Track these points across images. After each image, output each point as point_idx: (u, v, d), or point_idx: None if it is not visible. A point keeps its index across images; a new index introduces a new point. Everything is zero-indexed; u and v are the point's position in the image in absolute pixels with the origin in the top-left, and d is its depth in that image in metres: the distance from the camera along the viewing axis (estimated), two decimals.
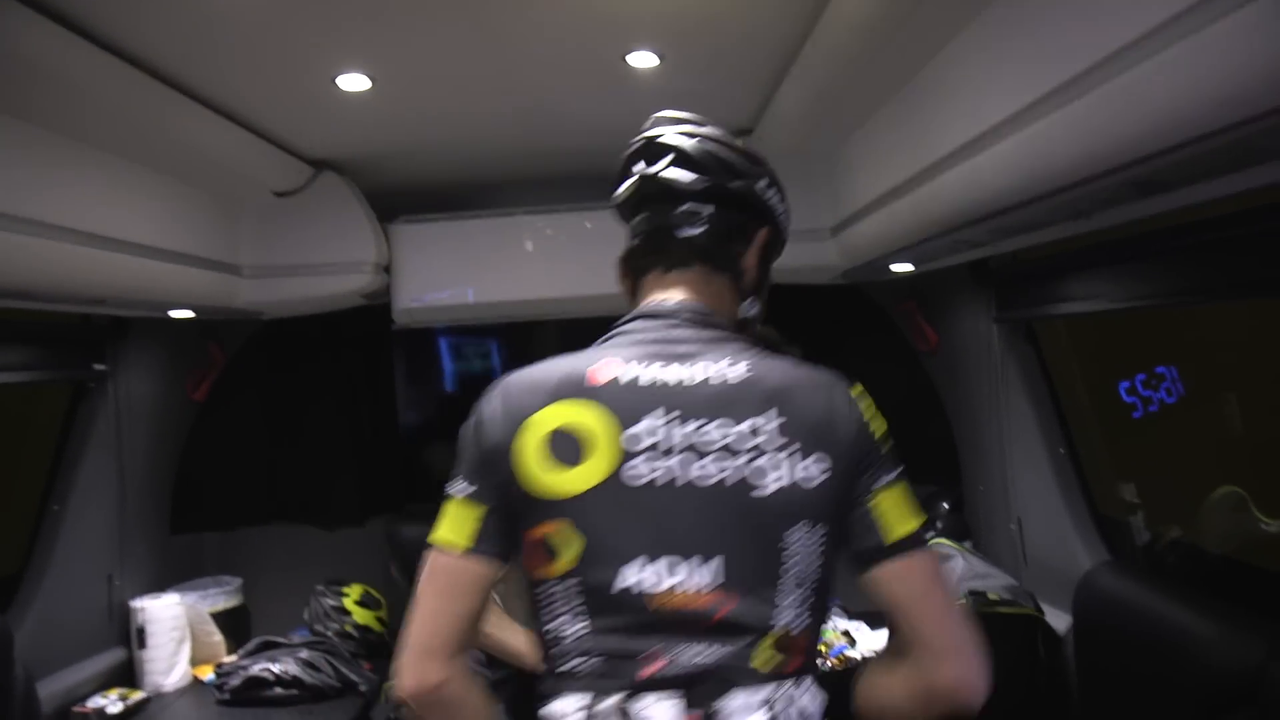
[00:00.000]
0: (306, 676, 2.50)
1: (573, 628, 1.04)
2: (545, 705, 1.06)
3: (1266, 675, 1.47)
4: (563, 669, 1.05)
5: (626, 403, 1.05)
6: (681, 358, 1.09)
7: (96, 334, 2.52)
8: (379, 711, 2.39)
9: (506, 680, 2.01)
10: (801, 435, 1.04)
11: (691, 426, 1.05)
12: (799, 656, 1.03)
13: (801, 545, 1.03)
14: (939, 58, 1.66)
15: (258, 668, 2.50)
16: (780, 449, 1.03)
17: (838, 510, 1.04)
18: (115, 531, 2.62)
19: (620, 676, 1.01)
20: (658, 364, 1.08)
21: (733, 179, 1.17)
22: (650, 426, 1.04)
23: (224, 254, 2.37)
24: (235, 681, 2.50)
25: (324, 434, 3.14)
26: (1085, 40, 1.15)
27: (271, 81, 1.82)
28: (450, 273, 2.61)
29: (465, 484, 1.09)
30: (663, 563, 1.02)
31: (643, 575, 1.02)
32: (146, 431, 2.72)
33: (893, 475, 1.08)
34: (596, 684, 1.02)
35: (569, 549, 1.03)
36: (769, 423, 1.04)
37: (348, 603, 2.85)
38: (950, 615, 1.05)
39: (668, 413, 1.05)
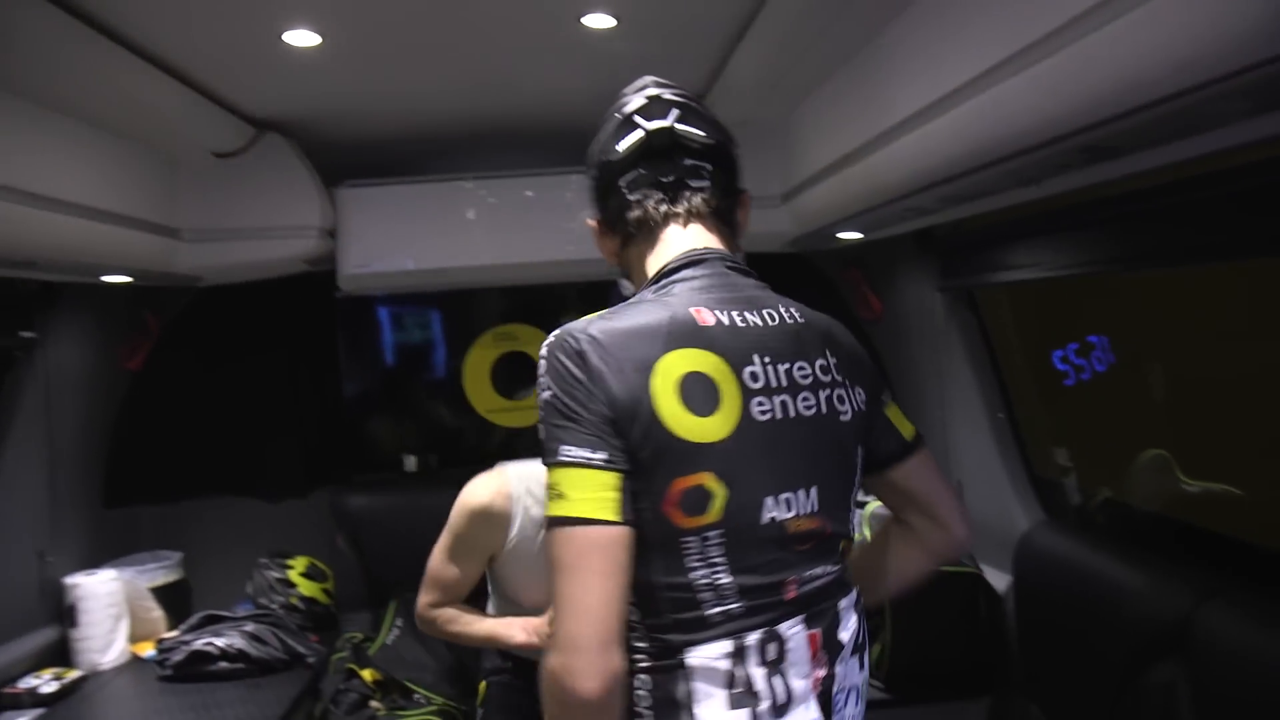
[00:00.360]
0: (252, 650, 2.46)
1: (711, 575, 1.04)
2: (683, 654, 1.03)
3: (1193, 622, 1.54)
4: (697, 616, 1.04)
5: (734, 346, 1.09)
6: (749, 302, 1.15)
7: (24, 300, 2.42)
8: (328, 683, 2.36)
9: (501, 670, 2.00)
10: (849, 370, 1.17)
11: (784, 366, 1.11)
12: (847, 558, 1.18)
13: (857, 464, 1.18)
14: (893, 25, 1.68)
15: (201, 642, 2.45)
16: (842, 383, 1.15)
17: (870, 430, 1.19)
18: (46, 506, 2.53)
19: (761, 614, 1.05)
20: (736, 309, 1.13)
21: (728, 140, 1.24)
22: (757, 368, 1.09)
23: (162, 216, 2.28)
24: (178, 657, 2.44)
25: (266, 404, 3.07)
26: (1038, 7, 1.18)
27: (214, 35, 1.75)
28: (397, 238, 2.56)
29: (589, 451, 1.01)
30: (785, 496, 1.08)
31: (775, 511, 1.07)
32: (77, 402, 2.63)
33: (889, 391, 1.27)
34: (738, 624, 1.04)
35: (718, 496, 1.04)
36: (830, 360, 1.15)
37: (293, 575, 2.81)
38: (952, 490, 1.31)
39: (762, 354, 1.10)
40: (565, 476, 1.02)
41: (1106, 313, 2.72)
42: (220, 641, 2.45)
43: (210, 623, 2.54)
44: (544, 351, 1.09)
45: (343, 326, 3.15)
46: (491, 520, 1.85)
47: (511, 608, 1.95)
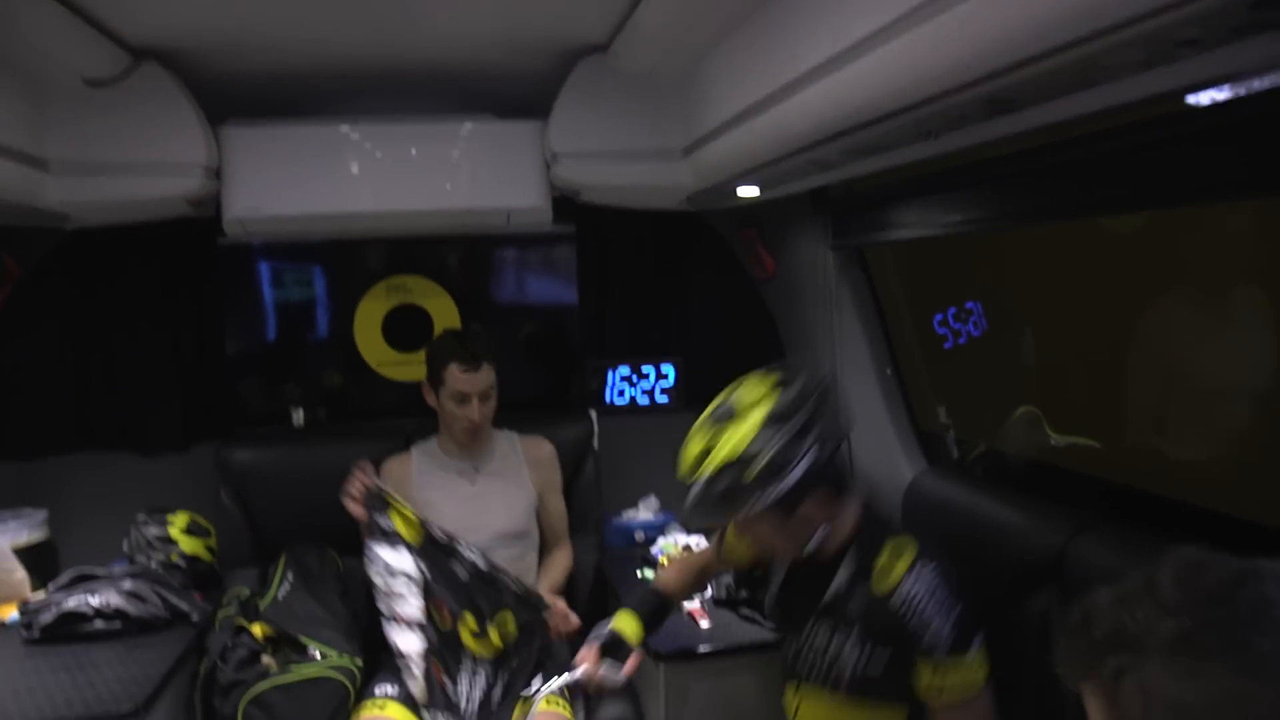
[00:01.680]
0: (130, 608, 2.35)
1: None
2: None
3: (1067, 555, 1.66)
4: None
5: None
6: None
7: None
8: (214, 640, 2.28)
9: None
10: None
11: None
12: None
13: None
14: None
15: (73, 601, 2.32)
16: None
17: None
18: None
19: None
20: None
21: None
22: None
23: (26, 144, 2.11)
24: (46, 618, 2.31)
25: (141, 355, 2.91)
26: None
27: None
28: (286, 181, 2.45)
29: None
30: None
31: None
32: None
33: None
34: None
35: None
36: None
37: (173, 531, 2.68)
38: None
39: None
40: None
41: (981, 279, 2.86)
42: (95, 600, 2.33)
43: (82, 581, 2.42)
44: None
45: (226, 278, 3.01)
46: None
47: None
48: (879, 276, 2.74)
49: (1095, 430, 2.42)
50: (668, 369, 3.17)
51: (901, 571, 1.58)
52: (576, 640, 2.35)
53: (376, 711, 2.20)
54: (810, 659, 1.74)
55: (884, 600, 1.58)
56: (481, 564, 2.34)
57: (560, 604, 2.40)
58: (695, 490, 1.62)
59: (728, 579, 2.42)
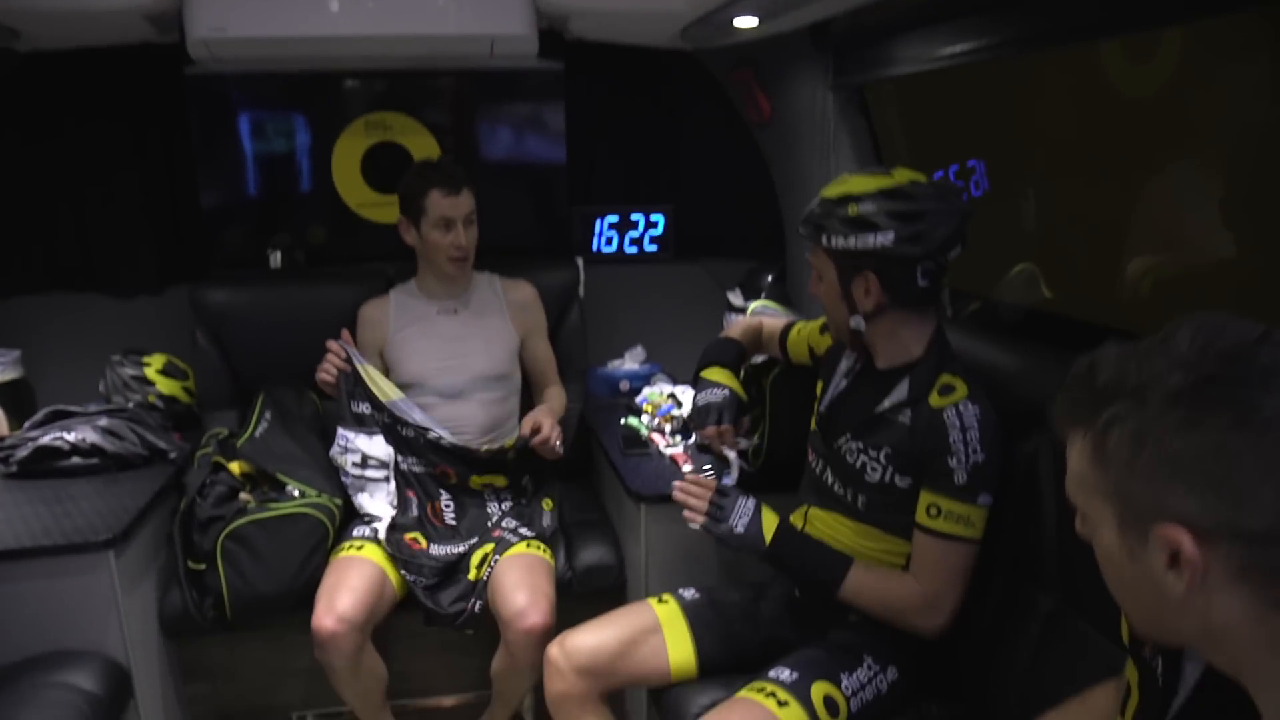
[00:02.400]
0: (108, 444, 2.33)
1: None
2: None
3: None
4: None
5: None
6: None
7: None
8: (192, 477, 2.26)
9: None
10: None
11: None
12: None
13: None
14: None
15: (49, 437, 2.30)
16: None
17: None
18: None
19: None
20: None
21: None
22: None
23: None
24: (23, 453, 2.29)
25: (108, 196, 2.80)
26: None
27: None
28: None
29: None
30: None
31: None
32: None
33: None
34: None
35: None
36: None
37: (150, 372, 2.64)
38: None
39: None
40: None
41: (984, 137, 2.75)
42: (71, 436, 2.31)
43: (58, 418, 2.38)
44: None
45: (195, 114, 2.85)
46: None
47: None
48: (881, 130, 2.63)
49: (1092, 290, 2.38)
50: (657, 217, 3.07)
51: (956, 399, 1.64)
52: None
53: (354, 552, 2.20)
54: (838, 469, 1.78)
55: (935, 413, 1.63)
56: (446, 441, 2.35)
57: (544, 430, 2.36)
58: (811, 205, 1.73)
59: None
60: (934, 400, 1.65)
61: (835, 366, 1.88)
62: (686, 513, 1.79)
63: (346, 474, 2.31)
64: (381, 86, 2.93)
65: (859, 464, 1.72)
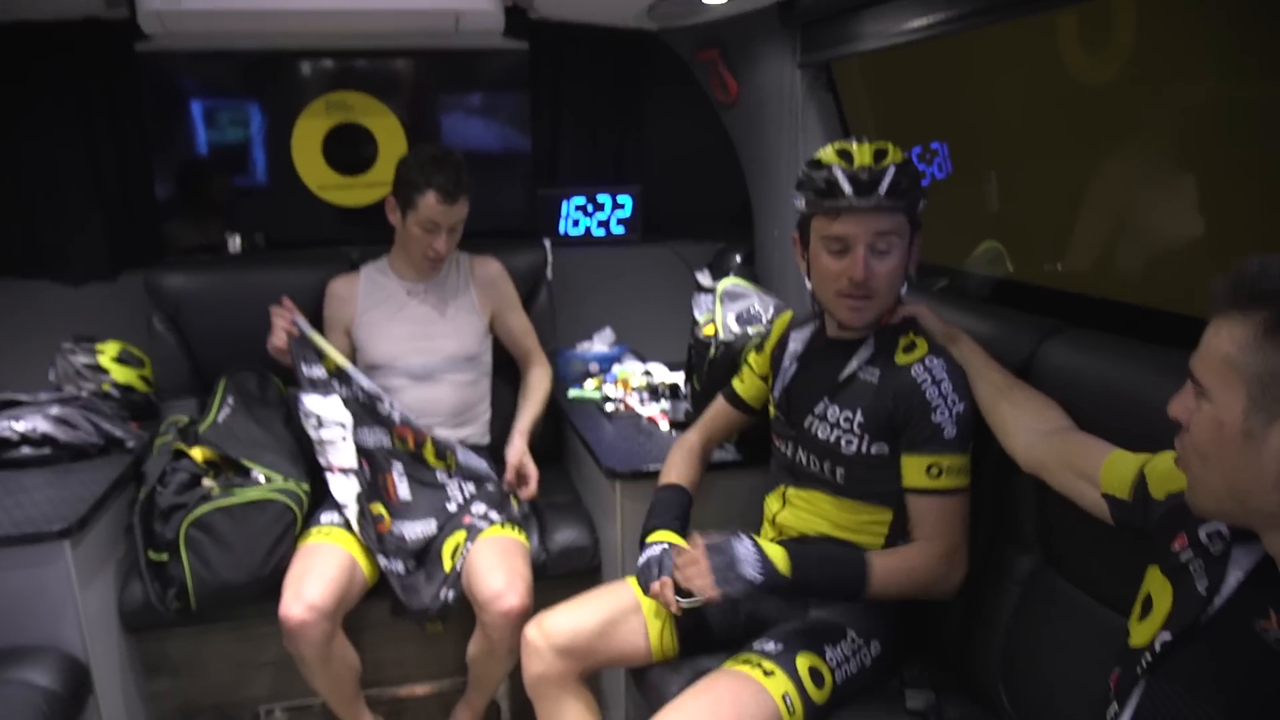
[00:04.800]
0: (60, 434, 2.24)
1: None
2: None
3: (1036, 359, 1.65)
4: None
5: None
6: None
7: None
8: (152, 466, 2.19)
9: None
10: None
11: None
12: None
13: None
14: None
15: None
16: None
17: None
18: None
19: None
20: None
21: None
22: None
23: None
24: None
25: (58, 179, 2.69)
26: None
27: None
28: None
29: None
30: None
31: None
32: None
33: None
34: None
35: None
36: None
37: (103, 360, 2.55)
38: None
39: None
40: None
41: (948, 120, 2.77)
42: (20, 425, 2.22)
43: (5, 407, 2.29)
44: None
45: (149, 93, 2.76)
46: None
47: None
48: (849, 100, 2.63)
49: (1051, 261, 2.42)
50: (625, 199, 3.05)
51: (920, 355, 1.65)
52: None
53: (322, 539, 2.15)
54: (811, 447, 1.75)
55: (902, 370, 1.63)
56: (398, 417, 2.33)
57: (515, 463, 2.37)
58: (891, 173, 1.58)
59: (687, 405, 2.38)
60: (899, 358, 1.66)
61: (781, 357, 1.86)
62: (695, 594, 1.59)
63: (309, 439, 2.25)
64: (342, 66, 2.87)
65: (833, 438, 1.71)
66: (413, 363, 2.41)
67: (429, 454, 2.37)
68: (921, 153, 2.81)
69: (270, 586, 2.07)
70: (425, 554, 2.24)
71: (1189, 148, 2.02)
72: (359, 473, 2.24)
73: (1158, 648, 1.07)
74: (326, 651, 2.06)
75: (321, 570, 2.06)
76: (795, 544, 1.70)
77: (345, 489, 2.20)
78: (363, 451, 2.29)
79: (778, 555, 1.59)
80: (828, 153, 1.64)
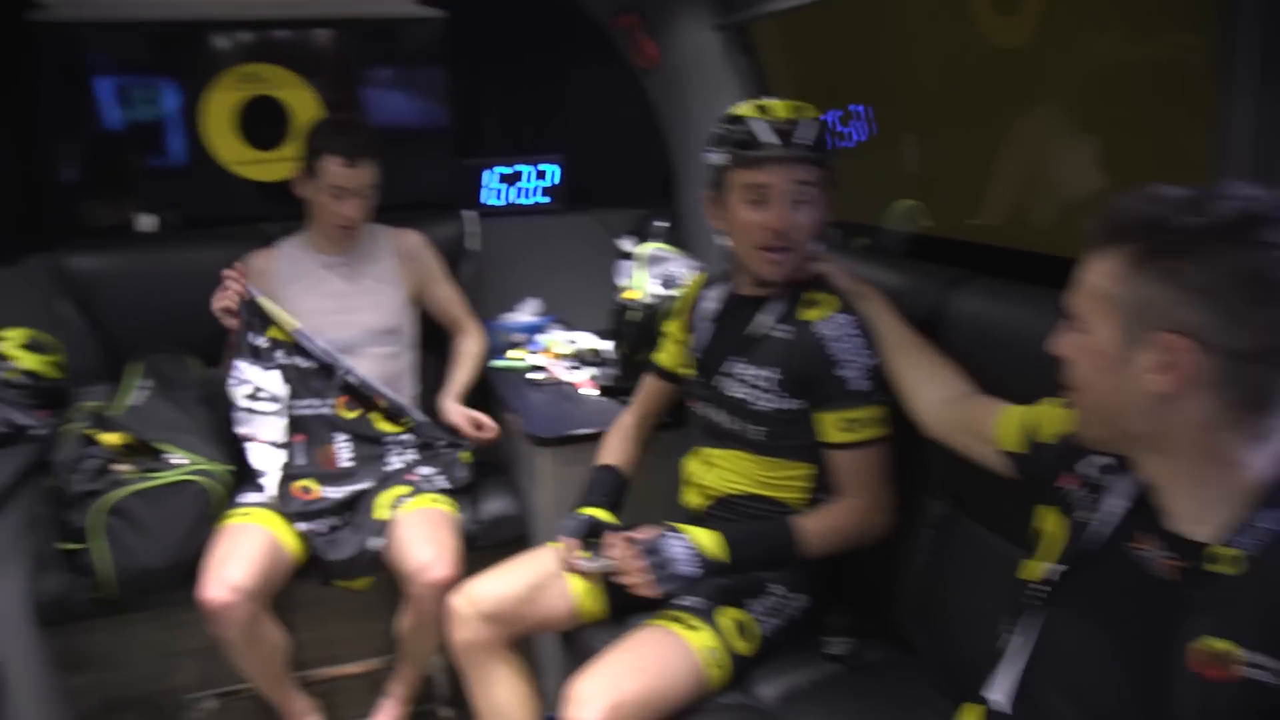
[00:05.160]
0: None
1: None
2: None
3: (945, 308, 1.68)
4: None
5: None
6: None
7: None
8: (62, 454, 2.12)
9: None
10: None
11: None
12: None
13: None
14: None
15: None
16: None
17: None
18: None
19: None
20: None
21: None
22: None
23: None
24: None
25: None
26: None
27: None
28: None
29: None
30: None
31: None
32: None
33: None
34: None
35: None
36: None
37: (8, 348, 2.44)
38: None
39: None
40: None
41: (869, 83, 2.80)
42: None
43: None
44: None
45: (44, 66, 2.64)
46: None
47: None
48: (769, 65, 2.64)
49: (966, 217, 2.46)
50: (547, 168, 3.02)
51: (827, 311, 1.66)
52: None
53: (244, 519, 2.11)
54: (728, 406, 1.75)
55: (808, 326, 1.65)
56: (355, 380, 2.30)
57: (462, 420, 2.37)
58: (810, 125, 1.63)
59: (615, 370, 2.38)
60: (808, 315, 1.67)
61: (696, 319, 1.87)
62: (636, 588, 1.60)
63: (236, 406, 2.21)
64: (253, 37, 2.79)
65: (748, 396, 1.71)
66: (332, 337, 2.36)
67: (377, 420, 2.35)
68: (843, 115, 2.84)
69: (192, 571, 2.01)
70: (354, 508, 2.21)
71: (1095, 106, 2.07)
72: (288, 446, 2.21)
73: (1055, 578, 1.10)
74: (252, 634, 2.03)
75: (243, 551, 2.02)
76: (723, 523, 1.70)
77: (267, 459, 2.18)
78: (300, 424, 2.26)
79: (710, 543, 1.60)
80: (744, 108, 1.65)
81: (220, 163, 2.81)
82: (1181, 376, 0.92)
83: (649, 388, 2.03)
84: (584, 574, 1.76)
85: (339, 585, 2.19)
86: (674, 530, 1.60)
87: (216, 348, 2.30)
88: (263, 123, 2.79)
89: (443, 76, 2.94)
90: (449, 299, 2.56)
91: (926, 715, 1.50)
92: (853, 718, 1.53)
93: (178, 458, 2.14)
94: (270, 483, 2.15)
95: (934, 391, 1.55)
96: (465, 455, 2.38)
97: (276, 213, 2.58)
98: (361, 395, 2.33)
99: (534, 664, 2.20)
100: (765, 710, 1.61)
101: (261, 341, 2.24)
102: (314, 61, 2.86)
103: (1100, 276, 0.98)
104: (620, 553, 1.61)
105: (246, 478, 2.21)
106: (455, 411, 2.41)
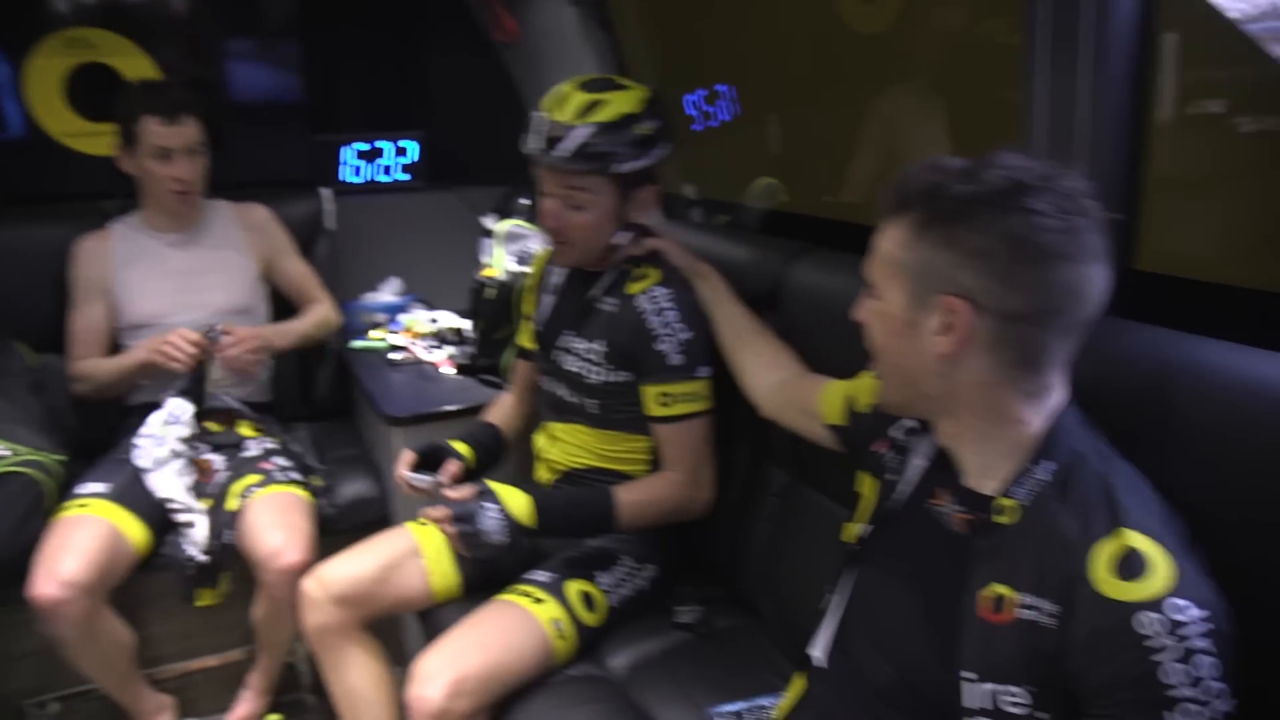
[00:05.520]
0: None
1: None
2: None
3: (785, 280, 1.73)
4: None
5: None
6: None
7: None
8: None
9: None
10: None
11: None
12: None
13: None
14: None
15: None
16: None
17: None
18: None
19: None
20: None
21: None
22: None
23: None
24: None
25: None
26: None
27: None
28: None
29: None
30: None
31: None
32: None
33: None
34: None
35: None
36: None
37: None
38: None
39: None
40: None
41: (734, 64, 2.84)
42: None
43: None
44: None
45: None
46: None
47: None
48: (629, 51, 2.64)
49: (823, 194, 2.53)
50: (407, 144, 2.96)
51: (648, 284, 1.68)
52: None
53: (79, 511, 2.00)
54: (564, 379, 1.76)
55: (632, 299, 1.67)
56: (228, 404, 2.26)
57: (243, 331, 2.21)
58: (581, 135, 1.58)
59: (472, 349, 2.36)
60: (631, 288, 1.69)
61: (541, 294, 1.88)
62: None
63: (160, 440, 2.09)
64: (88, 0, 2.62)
65: (579, 370, 1.72)
66: (179, 319, 2.25)
67: (244, 428, 2.28)
68: (708, 95, 2.87)
69: (23, 569, 1.90)
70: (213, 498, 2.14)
71: (942, 87, 2.16)
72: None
73: (865, 537, 1.16)
74: (91, 631, 1.94)
75: (78, 544, 1.92)
76: (545, 489, 1.73)
77: (162, 484, 2.09)
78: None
79: (521, 509, 1.60)
80: (550, 97, 1.65)
81: (48, 134, 2.64)
82: (961, 337, 0.96)
83: (520, 370, 2.02)
84: (413, 489, 1.75)
85: (204, 603, 2.09)
86: (489, 493, 1.60)
87: (48, 333, 2.18)
88: (95, 91, 2.63)
89: (297, 48, 2.83)
90: (301, 275, 2.49)
91: (768, 677, 1.55)
92: (696, 683, 1.56)
93: (3, 449, 2.02)
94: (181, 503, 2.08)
95: (767, 374, 1.60)
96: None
97: (119, 189, 2.45)
98: (230, 412, 2.26)
99: (402, 646, 2.19)
100: (613, 680, 1.63)
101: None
102: (154, 29, 2.71)
103: (890, 243, 1.01)
104: (436, 514, 1.61)
105: (88, 467, 2.11)
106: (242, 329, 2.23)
